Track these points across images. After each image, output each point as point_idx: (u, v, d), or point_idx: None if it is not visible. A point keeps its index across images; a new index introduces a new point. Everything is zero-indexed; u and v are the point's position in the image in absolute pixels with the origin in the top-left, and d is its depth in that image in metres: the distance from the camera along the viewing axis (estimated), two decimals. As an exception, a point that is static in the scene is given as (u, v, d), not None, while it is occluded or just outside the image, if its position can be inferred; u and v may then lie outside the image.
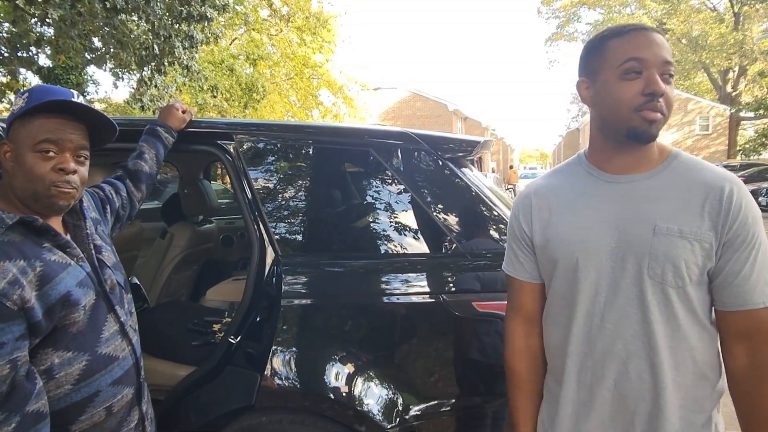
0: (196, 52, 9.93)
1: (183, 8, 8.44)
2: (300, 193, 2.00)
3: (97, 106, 14.41)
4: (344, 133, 2.04)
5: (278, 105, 21.20)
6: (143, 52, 8.42)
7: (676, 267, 1.04)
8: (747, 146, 27.53)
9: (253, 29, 19.04)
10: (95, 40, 8.93)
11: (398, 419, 1.71)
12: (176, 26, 8.73)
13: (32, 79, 11.71)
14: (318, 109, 22.62)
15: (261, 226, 1.88)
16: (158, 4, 7.97)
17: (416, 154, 1.94)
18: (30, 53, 8.75)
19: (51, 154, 1.18)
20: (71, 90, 1.27)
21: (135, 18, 8.24)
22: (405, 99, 35.24)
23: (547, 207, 1.23)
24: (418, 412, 1.74)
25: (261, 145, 2.00)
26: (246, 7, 16.51)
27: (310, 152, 2.02)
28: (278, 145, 2.03)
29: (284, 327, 1.78)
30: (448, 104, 34.72)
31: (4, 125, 1.24)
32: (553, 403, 1.22)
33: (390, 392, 1.75)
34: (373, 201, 1.96)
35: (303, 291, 1.83)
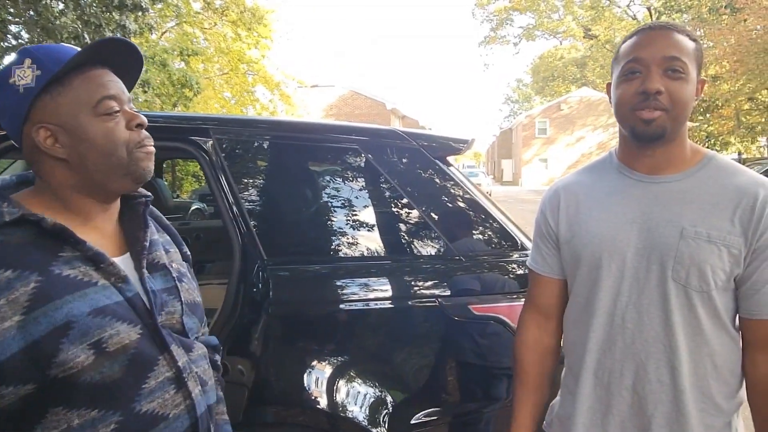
0: (128, 44, 9.39)
1: (115, -4, 7.96)
2: (284, 193, 1.89)
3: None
4: (331, 130, 1.95)
5: (212, 101, 20.53)
6: (72, 42, 7.85)
7: (701, 271, 1.03)
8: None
9: (185, 22, 18.28)
10: (14, 27, 8.26)
11: (394, 428, 1.64)
12: (107, 14, 8.21)
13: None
14: (254, 106, 22.14)
15: (243, 227, 1.75)
16: (87, -10, 7.48)
17: (406, 152, 1.87)
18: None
19: (116, 111, 0.93)
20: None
21: (61, 5, 7.68)
22: (344, 97, 35.24)
23: (575, 203, 1.21)
24: (416, 421, 1.67)
25: (241, 142, 1.86)
26: (177, -1, 15.79)
27: (294, 149, 1.90)
28: (260, 142, 1.90)
29: (272, 336, 1.66)
30: (386, 103, 35.01)
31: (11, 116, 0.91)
32: (571, 399, 1.20)
33: (386, 400, 1.67)
34: (360, 201, 1.87)
35: (292, 296, 1.72)
